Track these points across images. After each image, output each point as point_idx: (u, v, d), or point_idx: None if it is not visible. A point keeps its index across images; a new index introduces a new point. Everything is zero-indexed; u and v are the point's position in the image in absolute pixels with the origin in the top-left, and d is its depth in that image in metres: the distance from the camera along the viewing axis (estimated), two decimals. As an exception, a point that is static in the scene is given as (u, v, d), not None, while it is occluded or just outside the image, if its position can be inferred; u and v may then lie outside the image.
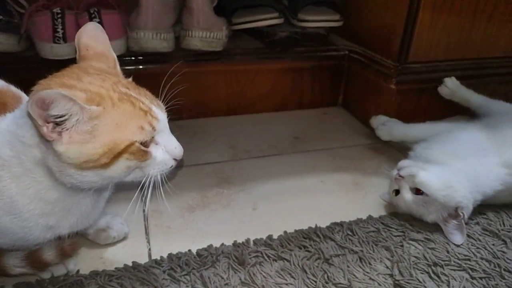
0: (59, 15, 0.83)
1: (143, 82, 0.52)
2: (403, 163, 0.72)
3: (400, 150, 0.93)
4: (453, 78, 0.93)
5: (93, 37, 0.51)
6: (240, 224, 0.71)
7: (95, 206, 0.55)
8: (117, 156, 0.45)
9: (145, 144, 0.47)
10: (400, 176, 0.70)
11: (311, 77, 1.12)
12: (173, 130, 0.51)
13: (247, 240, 0.65)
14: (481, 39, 0.96)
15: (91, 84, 0.45)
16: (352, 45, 1.10)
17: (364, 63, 1.04)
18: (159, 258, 0.61)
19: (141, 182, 0.50)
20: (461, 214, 0.65)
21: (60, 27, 0.83)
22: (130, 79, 0.52)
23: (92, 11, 0.85)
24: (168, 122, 0.51)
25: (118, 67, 0.52)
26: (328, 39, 1.12)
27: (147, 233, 0.67)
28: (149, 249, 0.64)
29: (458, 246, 0.66)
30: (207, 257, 0.61)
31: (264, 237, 0.66)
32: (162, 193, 0.52)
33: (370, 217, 0.73)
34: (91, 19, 0.85)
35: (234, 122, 1.06)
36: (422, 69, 0.95)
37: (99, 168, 0.45)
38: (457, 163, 0.71)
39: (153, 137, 0.48)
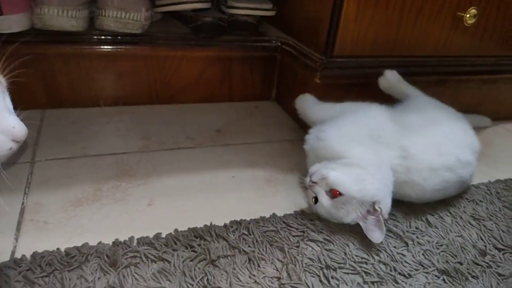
0: None
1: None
2: (313, 168, 0.68)
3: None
4: (395, 72, 0.90)
5: None
6: (129, 220, 0.64)
7: None
8: None
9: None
10: (313, 182, 0.66)
11: (241, 69, 1.07)
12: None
13: (130, 239, 0.59)
14: (409, 36, 0.93)
15: None
16: (285, 36, 1.05)
17: (294, 56, 1.00)
18: (20, 257, 0.54)
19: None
20: (378, 209, 0.62)
21: None
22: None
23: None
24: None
25: None
26: (259, 29, 1.07)
27: (18, 229, 0.60)
28: (15, 247, 0.57)
29: (357, 248, 0.63)
30: (74, 256, 0.54)
31: (151, 236, 0.60)
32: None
33: (273, 215, 0.68)
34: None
35: (155, 111, 0.99)
36: (348, 64, 0.91)
37: None
38: (364, 154, 0.68)
39: None
